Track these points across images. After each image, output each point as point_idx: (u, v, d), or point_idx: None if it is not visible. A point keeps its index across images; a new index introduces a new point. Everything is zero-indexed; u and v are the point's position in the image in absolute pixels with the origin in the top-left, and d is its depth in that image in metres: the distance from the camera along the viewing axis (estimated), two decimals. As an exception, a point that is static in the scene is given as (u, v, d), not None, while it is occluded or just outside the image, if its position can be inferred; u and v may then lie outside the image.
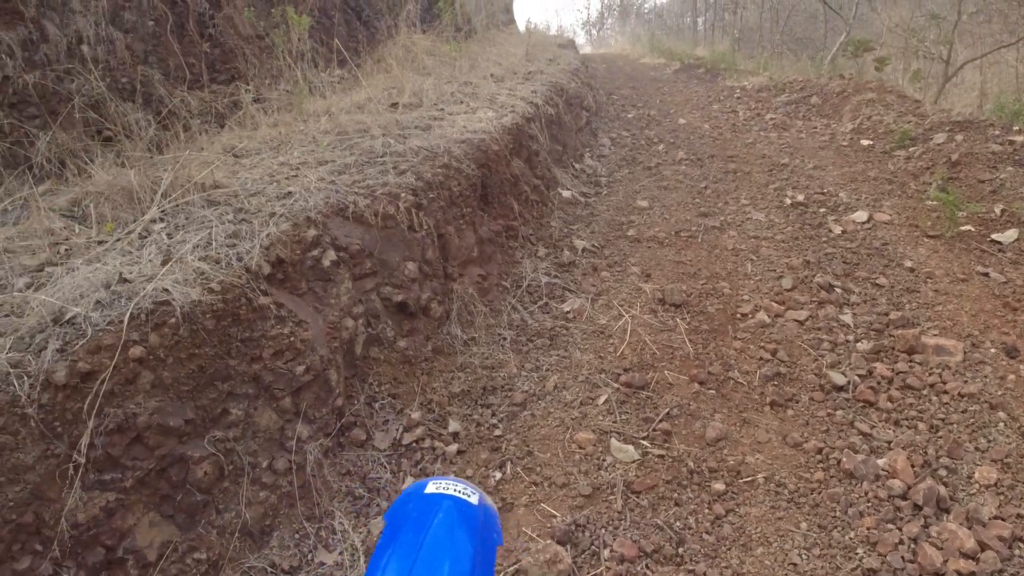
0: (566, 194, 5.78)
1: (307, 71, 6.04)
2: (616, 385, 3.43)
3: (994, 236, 5.04)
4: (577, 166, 6.72)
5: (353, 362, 3.16)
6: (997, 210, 5.31)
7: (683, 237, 5.26)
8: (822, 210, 5.59)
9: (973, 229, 5.13)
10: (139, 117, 4.15)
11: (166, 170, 3.23)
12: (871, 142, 7.53)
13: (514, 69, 8.00)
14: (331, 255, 3.09)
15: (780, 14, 22.02)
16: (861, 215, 5.35)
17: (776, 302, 4.25)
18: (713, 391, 3.42)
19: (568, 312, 4.19)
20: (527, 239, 4.89)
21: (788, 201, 5.83)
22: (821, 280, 4.42)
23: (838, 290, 4.35)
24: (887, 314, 4.02)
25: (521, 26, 19.53)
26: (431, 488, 0.89)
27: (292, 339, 2.68)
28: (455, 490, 0.88)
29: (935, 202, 5.58)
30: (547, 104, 6.35)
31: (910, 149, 7.12)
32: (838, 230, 5.14)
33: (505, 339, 3.89)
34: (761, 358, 3.69)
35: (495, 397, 3.42)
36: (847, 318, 4.01)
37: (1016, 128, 6.97)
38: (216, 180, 3.28)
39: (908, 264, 4.60)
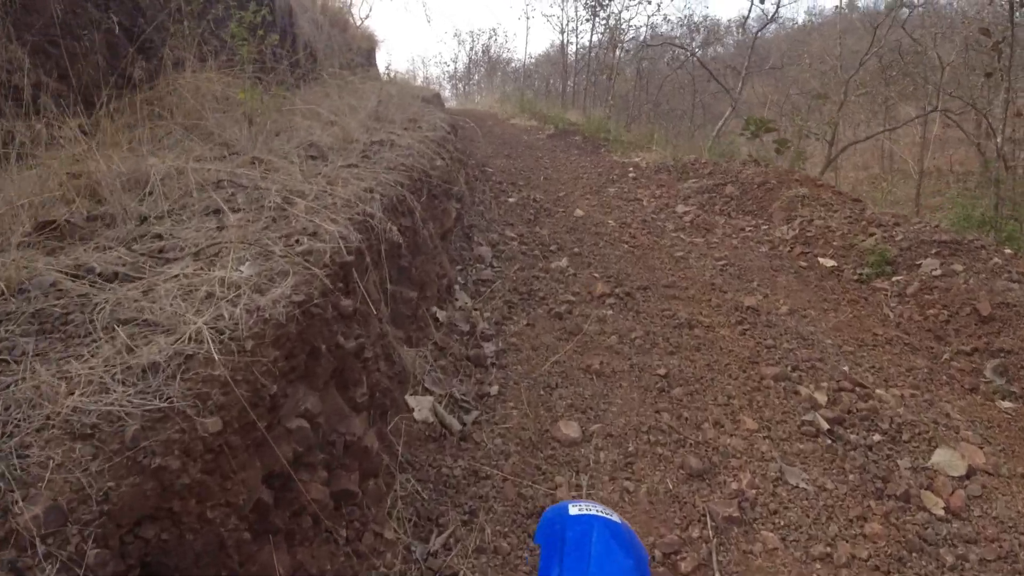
0: (420, 416, 2.81)
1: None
2: None
3: None
4: (442, 315, 3.81)
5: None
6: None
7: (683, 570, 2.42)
8: (876, 437, 3.10)
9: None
10: None
11: None
12: (834, 262, 5.45)
13: (353, 136, 5.02)
14: None
15: (652, 84, 21.19)
16: (945, 458, 2.94)
17: None
18: None
19: None
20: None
21: (819, 422, 3.25)
22: None
23: None
24: None
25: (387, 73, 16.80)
26: (574, 510, 0.94)
27: None
28: (598, 510, 0.95)
29: (1010, 404, 3.38)
30: (393, 213, 3.43)
31: (894, 279, 5.06)
32: (938, 509, 2.66)
33: None
34: None
35: None
36: None
37: (1010, 251, 5.18)
38: None
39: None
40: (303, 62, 8.38)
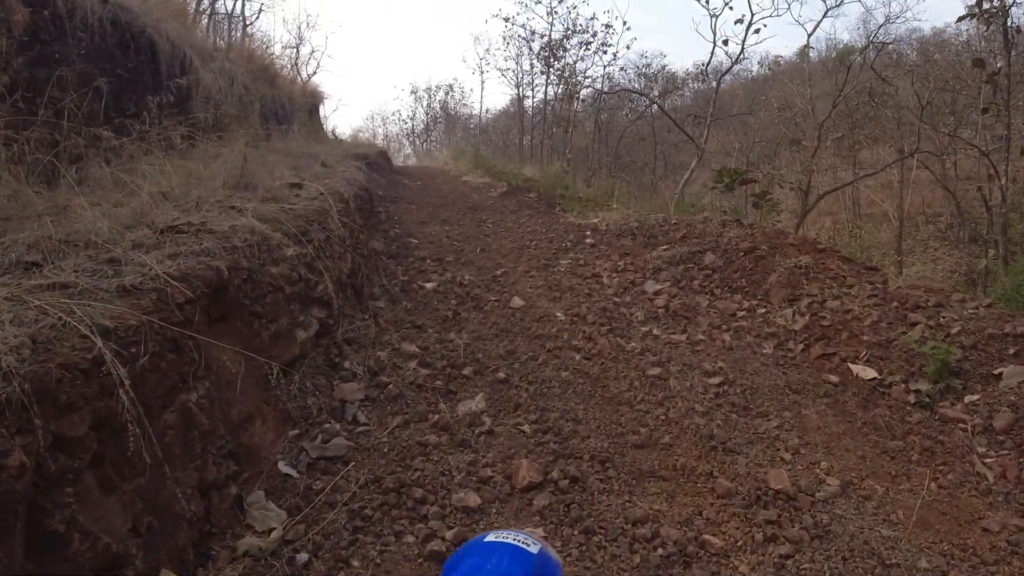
0: None
1: None
2: None
3: None
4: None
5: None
6: None
7: None
8: None
9: None
10: None
11: None
12: (872, 371, 3.78)
13: (148, 218, 3.22)
14: None
15: (611, 135, 20.08)
16: None
17: None
18: None
19: None
20: None
21: None
22: None
23: None
24: None
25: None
26: (490, 537, 0.91)
27: None
28: (514, 539, 0.89)
29: None
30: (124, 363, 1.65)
31: (968, 400, 3.40)
32: None
33: None
34: None
35: None
36: None
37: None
38: None
39: None
40: (204, 119, 6.73)
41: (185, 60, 6.64)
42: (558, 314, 4.79)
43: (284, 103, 11.55)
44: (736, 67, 11.95)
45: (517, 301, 4.99)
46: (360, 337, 3.98)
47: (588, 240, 7.36)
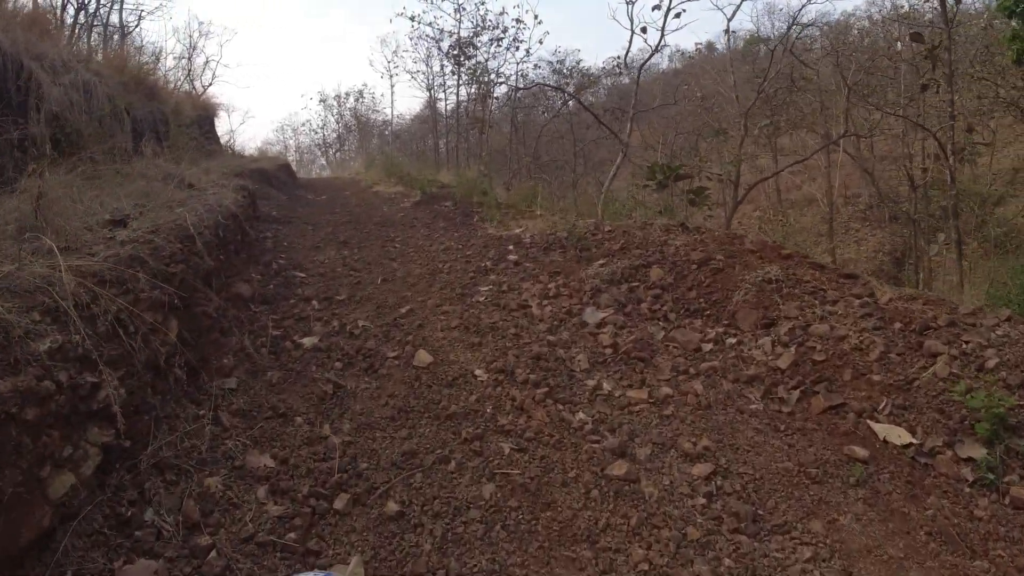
0: None
1: None
2: None
3: None
4: None
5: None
6: None
7: None
8: None
9: None
10: None
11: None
12: (908, 435, 2.79)
13: None
14: None
15: (528, 135, 19.04)
16: None
17: None
18: None
19: None
20: None
21: None
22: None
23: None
24: None
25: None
26: None
27: None
28: None
29: None
30: None
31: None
32: None
33: None
34: None
35: None
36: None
37: None
38: None
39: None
40: (39, 141, 5.17)
41: (23, 72, 5.10)
42: (477, 372, 3.56)
43: (166, 117, 9.72)
44: (654, 57, 11.14)
45: (423, 356, 3.73)
46: (183, 454, 2.61)
47: (511, 257, 6.19)
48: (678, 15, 9.45)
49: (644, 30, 10.12)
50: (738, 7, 16.67)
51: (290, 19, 60.61)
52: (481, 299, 4.99)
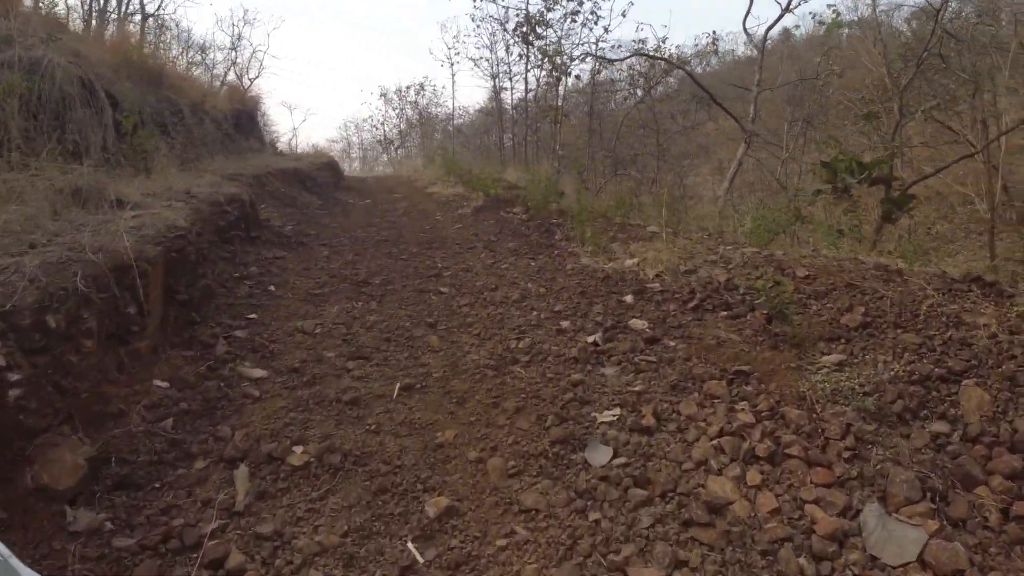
0: None
1: None
2: None
3: None
4: None
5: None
6: None
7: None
8: None
9: None
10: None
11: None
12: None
13: None
14: None
15: (605, 126, 16.13)
16: None
17: None
18: None
19: None
20: None
21: None
22: None
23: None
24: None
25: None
26: None
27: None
28: None
29: None
30: None
31: None
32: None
33: None
34: None
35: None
36: None
37: None
38: None
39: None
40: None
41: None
42: None
43: (180, 109, 7.65)
44: (790, 11, 8.17)
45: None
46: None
47: (637, 324, 3.62)
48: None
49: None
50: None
51: (352, 7, 59.37)
52: (602, 465, 2.39)
